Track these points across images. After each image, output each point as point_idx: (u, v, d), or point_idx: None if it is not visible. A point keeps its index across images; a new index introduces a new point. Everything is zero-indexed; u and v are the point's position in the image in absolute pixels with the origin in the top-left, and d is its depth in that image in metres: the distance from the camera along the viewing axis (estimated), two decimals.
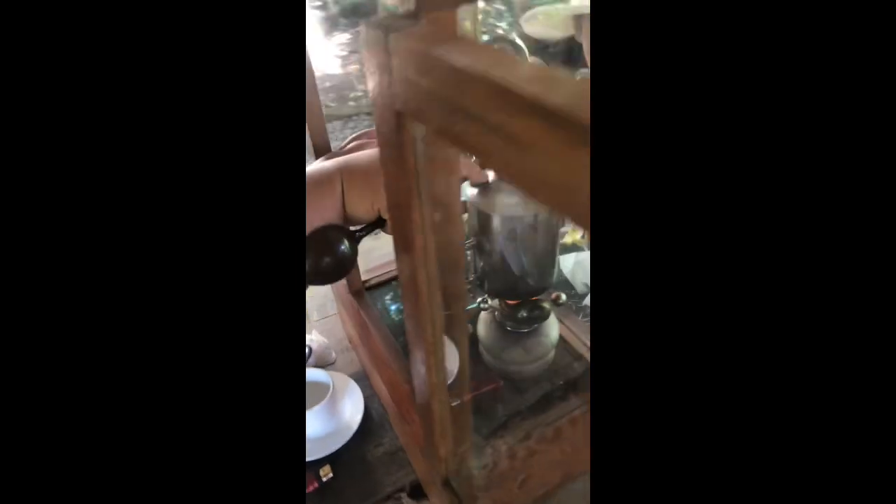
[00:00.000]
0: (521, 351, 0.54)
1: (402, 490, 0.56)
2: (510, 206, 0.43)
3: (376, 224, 0.39)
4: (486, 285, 0.49)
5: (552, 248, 0.46)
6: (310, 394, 0.60)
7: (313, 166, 0.39)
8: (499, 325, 0.54)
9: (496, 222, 0.44)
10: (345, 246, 0.37)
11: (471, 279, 0.50)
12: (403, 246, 0.30)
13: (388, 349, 0.61)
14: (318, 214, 0.36)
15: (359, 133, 0.43)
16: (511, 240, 0.44)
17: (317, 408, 0.57)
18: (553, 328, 0.54)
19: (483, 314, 0.57)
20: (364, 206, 0.37)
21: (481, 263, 0.47)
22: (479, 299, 0.52)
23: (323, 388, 0.60)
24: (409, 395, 0.55)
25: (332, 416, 0.60)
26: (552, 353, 0.55)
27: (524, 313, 0.51)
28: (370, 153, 0.39)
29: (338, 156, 0.39)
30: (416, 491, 0.57)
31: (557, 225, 0.44)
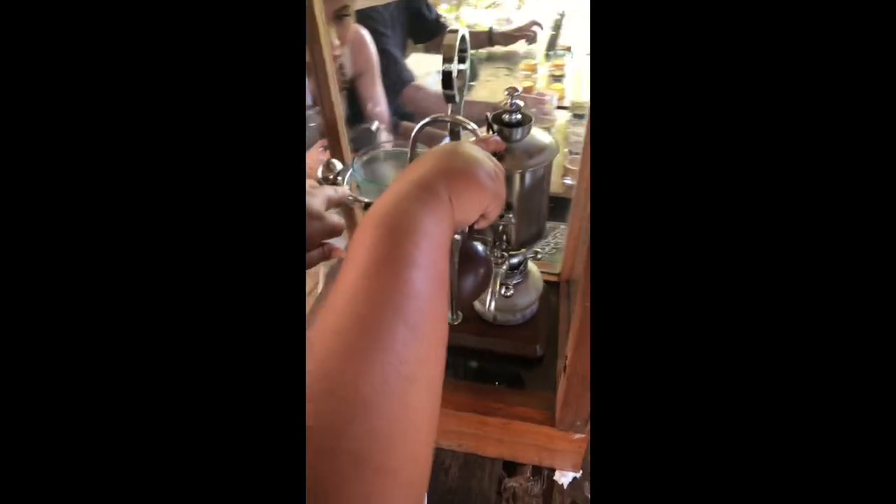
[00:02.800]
0: (511, 302, 0.56)
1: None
2: (530, 161, 0.43)
3: (474, 225, 0.33)
4: (514, 240, 0.48)
5: (549, 185, 0.48)
6: None
7: (408, 176, 0.30)
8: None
9: (526, 178, 0.43)
10: (484, 250, 0.31)
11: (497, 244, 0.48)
12: None
13: None
14: (439, 230, 0.29)
15: None
16: (537, 185, 0.45)
17: None
18: (537, 276, 0.57)
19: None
20: (474, 210, 0.31)
21: (506, 223, 0.46)
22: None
23: None
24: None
25: None
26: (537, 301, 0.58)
27: (513, 271, 0.54)
28: (467, 150, 0.32)
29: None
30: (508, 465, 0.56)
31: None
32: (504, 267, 0.48)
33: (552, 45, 1.53)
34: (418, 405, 0.22)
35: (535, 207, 0.47)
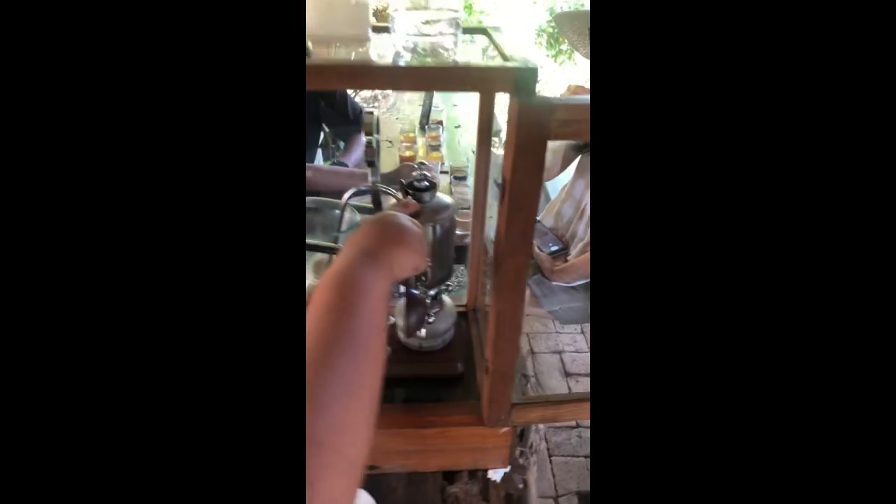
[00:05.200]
0: (433, 329, 0.68)
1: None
2: (438, 216, 0.57)
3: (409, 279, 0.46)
4: (430, 279, 0.60)
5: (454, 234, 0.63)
6: None
7: (359, 244, 0.40)
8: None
9: (437, 230, 0.57)
10: (420, 294, 0.44)
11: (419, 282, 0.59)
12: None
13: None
14: (378, 286, 0.38)
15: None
16: (444, 235, 0.58)
17: None
18: (451, 306, 0.70)
19: (398, 305, 0.67)
20: (409, 268, 0.43)
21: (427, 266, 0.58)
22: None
23: None
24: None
25: None
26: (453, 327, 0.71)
27: (432, 302, 0.66)
28: (402, 222, 0.43)
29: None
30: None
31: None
32: (427, 300, 0.60)
33: (426, 119, 1.76)
34: (357, 409, 0.31)
35: (445, 252, 0.60)
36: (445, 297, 0.69)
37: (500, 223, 0.45)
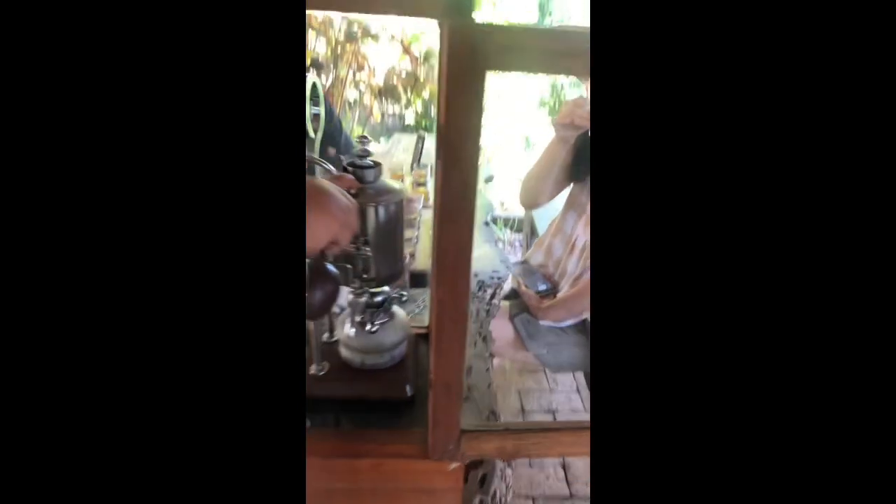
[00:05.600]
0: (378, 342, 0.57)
1: None
2: (381, 198, 0.49)
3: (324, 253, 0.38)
4: (373, 274, 0.51)
5: (402, 226, 0.54)
6: None
7: None
8: (357, 323, 0.56)
9: (379, 213, 0.49)
10: (334, 272, 0.36)
11: (362, 278, 0.50)
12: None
13: None
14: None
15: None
16: (389, 222, 0.50)
17: None
18: (402, 317, 0.60)
19: (341, 317, 0.57)
20: (322, 235, 0.36)
21: (367, 255, 0.49)
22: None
23: None
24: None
25: None
26: (404, 343, 0.61)
27: (377, 310, 0.56)
28: (319, 184, 0.37)
29: None
30: None
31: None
32: (364, 297, 0.50)
33: (417, 160, 1.76)
34: None
35: (390, 244, 0.52)
36: (397, 308, 0.59)
37: (436, 182, 0.38)
